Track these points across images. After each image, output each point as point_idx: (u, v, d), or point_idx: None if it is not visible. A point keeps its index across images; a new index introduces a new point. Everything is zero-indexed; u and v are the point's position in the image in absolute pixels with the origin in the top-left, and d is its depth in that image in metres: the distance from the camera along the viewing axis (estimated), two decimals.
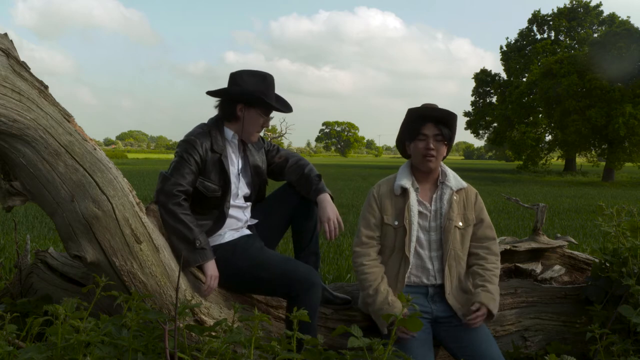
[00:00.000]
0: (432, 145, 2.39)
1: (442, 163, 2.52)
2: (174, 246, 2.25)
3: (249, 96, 2.37)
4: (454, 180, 2.49)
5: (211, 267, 2.28)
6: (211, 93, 2.44)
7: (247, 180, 2.53)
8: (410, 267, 2.39)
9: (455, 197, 2.44)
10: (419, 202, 2.44)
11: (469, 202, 2.49)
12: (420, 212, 2.43)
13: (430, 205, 2.44)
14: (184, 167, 2.30)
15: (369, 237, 2.44)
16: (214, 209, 2.40)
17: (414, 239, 2.39)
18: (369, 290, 2.35)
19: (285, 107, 2.49)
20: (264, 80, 2.41)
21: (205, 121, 2.49)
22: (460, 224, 2.42)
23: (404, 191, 2.44)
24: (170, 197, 2.25)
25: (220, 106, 2.46)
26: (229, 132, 2.45)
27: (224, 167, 2.37)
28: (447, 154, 2.51)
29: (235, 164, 2.47)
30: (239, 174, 2.48)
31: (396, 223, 2.41)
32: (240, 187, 2.47)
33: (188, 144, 2.34)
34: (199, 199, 2.37)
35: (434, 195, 2.46)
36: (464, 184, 2.51)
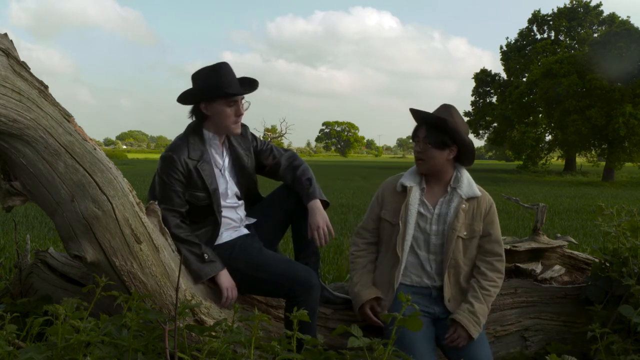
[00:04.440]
0: (418, 148, 2.39)
1: (461, 167, 2.43)
2: (185, 259, 2.28)
3: (203, 92, 2.33)
4: (467, 187, 2.39)
5: (224, 279, 2.31)
6: (178, 100, 2.39)
7: (235, 179, 2.50)
8: (403, 265, 2.38)
9: (463, 206, 2.36)
10: (422, 203, 2.40)
11: (479, 212, 2.39)
12: (420, 213, 2.39)
13: (434, 209, 2.39)
14: (168, 192, 2.30)
15: (363, 227, 2.54)
16: (209, 215, 2.39)
17: (408, 237, 2.38)
18: (351, 279, 2.50)
19: (248, 88, 2.39)
20: (216, 70, 2.34)
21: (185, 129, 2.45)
22: (465, 233, 2.36)
23: (405, 189, 2.43)
24: (167, 222, 2.28)
25: (190, 110, 2.42)
26: (208, 134, 2.40)
27: (201, 175, 2.33)
28: (462, 159, 2.40)
29: (220, 164, 2.44)
30: (225, 173, 2.45)
31: (394, 220, 2.41)
32: (229, 187, 2.45)
33: (166, 162, 2.31)
34: (194, 209, 2.37)
35: (442, 199, 2.40)
36: (478, 192, 2.40)
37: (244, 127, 2.53)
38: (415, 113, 2.40)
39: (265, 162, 2.59)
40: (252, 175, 2.56)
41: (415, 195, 2.40)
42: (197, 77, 2.36)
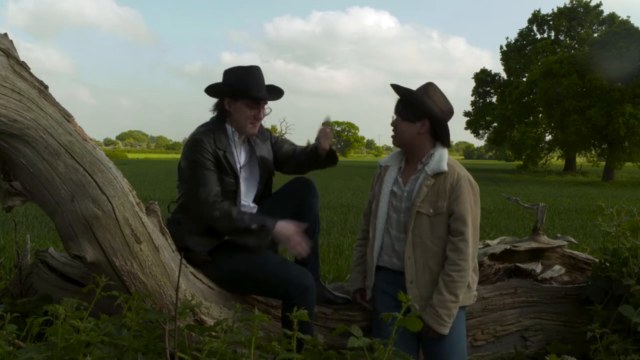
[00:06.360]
0: (392, 122, 2.40)
1: (440, 146, 2.35)
2: (243, 242, 2.33)
3: (229, 89, 2.40)
4: (435, 163, 2.29)
5: (281, 230, 2.32)
6: (206, 90, 2.47)
7: (254, 173, 2.54)
8: (377, 245, 2.41)
9: (428, 182, 2.28)
10: (396, 181, 2.41)
11: (444, 188, 2.26)
12: (393, 192, 2.40)
13: (405, 186, 2.38)
14: (202, 172, 2.32)
15: (364, 212, 2.63)
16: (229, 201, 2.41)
17: (380, 216, 2.41)
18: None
19: (274, 95, 2.47)
20: (247, 72, 2.41)
21: (207, 120, 2.50)
22: (431, 211, 2.27)
23: (381, 168, 2.49)
24: (210, 206, 2.30)
25: (214, 104, 2.49)
26: (230, 129, 2.46)
27: (229, 162, 2.39)
28: (439, 136, 2.33)
29: (239, 161, 2.48)
30: (241, 170, 2.48)
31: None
32: (245, 184, 2.49)
33: (196, 144, 2.35)
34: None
35: (413, 177, 2.37)
36: (444, 168, 2.27)
37: (261, 126, 2.61)
38: (393, 88, 2.41)
39: (281, 150, 2.63)
40: (272, 167, 2.61)
41: (390, 174, 2.43)
42: (229, 73, 2.43)
